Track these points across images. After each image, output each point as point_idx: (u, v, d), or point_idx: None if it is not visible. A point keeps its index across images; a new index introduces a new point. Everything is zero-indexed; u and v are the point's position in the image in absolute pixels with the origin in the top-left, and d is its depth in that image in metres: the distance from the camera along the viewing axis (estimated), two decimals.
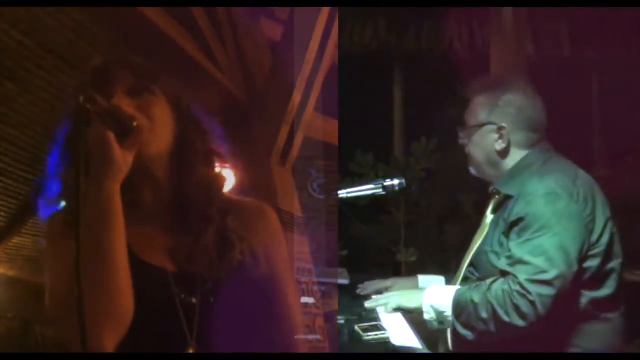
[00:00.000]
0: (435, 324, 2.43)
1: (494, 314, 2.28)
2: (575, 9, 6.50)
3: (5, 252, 6.16)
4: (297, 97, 4.57)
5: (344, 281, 2.85)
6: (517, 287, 2.26)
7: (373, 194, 2.78)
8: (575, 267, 2.29)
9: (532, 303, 2.24)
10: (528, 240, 2.31)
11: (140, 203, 1.60)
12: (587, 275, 2.34)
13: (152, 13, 3.92)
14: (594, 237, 2.35)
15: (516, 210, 2.37)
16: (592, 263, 2.34)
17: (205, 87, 4.27)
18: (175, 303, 1.52)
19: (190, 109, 1.67)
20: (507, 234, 2.38)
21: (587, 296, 2.35)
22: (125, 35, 3.82)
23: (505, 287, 2.29)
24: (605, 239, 2.36)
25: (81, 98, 1.41)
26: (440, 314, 2.40)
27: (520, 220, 2.35)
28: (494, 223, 2.49)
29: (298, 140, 4.68)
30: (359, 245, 6.34)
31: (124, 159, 1.46)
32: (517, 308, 2.25)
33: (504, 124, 2.50)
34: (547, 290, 2.25)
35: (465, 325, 2.35)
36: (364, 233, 6.52)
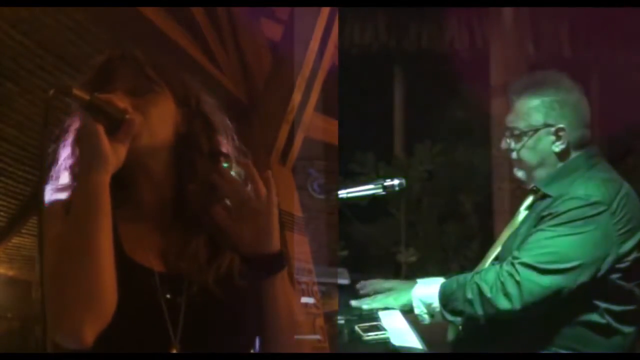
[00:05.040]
0: (427, 317, 2.43)
1: (480, 291, 2.28)
2: (575, 9, 6.49)
3: (5, 252, 6.16)
4: (297, 97, 4.57)
5: (344, 281, 2.84)
6: (509, 267, 2.27)
7: (373, 194, 2.78)
8: (584, 274, 2.27)
9: (518, 283, 2.24)
10: (543, 230, 2.30)
11: (138, 200, 1.60)
12: (606, 287, 2.31)
13: (152, 13, 3.92)
14: (622, 250, 2.30)
15: (550, 207, 2.34)
16: (613, 276, 2.31)
17: (205, 87, 4.26)
18: (160, 303, 1.52)
19: (200, 104, 1.66)
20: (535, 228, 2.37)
21: (603, 307, 2.31)
22: (125, 35, 3.82)
23: (497, 269, 2.30)
24: (633, 256, 2.32)
25: (51, 92, 1.41)
26: (428, 306, 2.41)
27: (549, 214, 2.33)
28: (526, 219, 2.47)
29: (298, 140, 4.68)
30: (359, 246, 6.35)
31: (114, 152, 1.45)
32: (502, 286, 2.25)
33: (562, 125, 2.42)
34: (537, 278, 2.24)
35: (452, 312, 2.36)
36: (364, 233, 6.53)
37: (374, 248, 6.63)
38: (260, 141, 4.53)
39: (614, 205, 2.30)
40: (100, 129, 1.44)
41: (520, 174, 2.53)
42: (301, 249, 4.58)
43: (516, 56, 5.87)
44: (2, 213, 5.38)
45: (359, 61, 6.99)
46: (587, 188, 2.33)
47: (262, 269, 1.53)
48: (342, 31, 6.00)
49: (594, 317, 2.32)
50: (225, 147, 1.66)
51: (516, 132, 2.46)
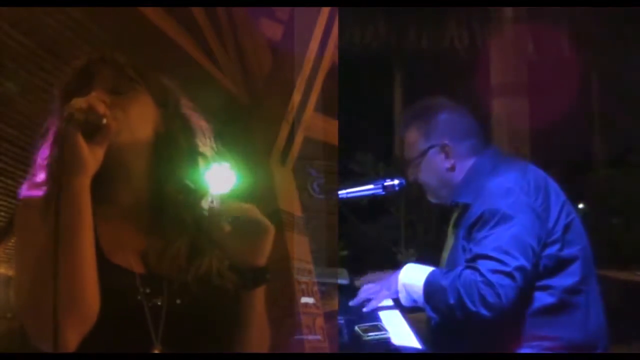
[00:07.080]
0: (410, 303, 2.48)
1: (461, 301, 2.31)
2: (575, 9, 6.50)
3: (6, 252, 6.16)
4: (297, 97, 4.56)
5: (344, 281, 2.85)
6: (482, 278, 2.30)
7: (373, 194, 2.80)
8: (534, 258, 2.34)
9: (498, 295, 2.27)
10: (486, 236, 2.36)
11: (116, 200, 1.61)
12: (550, 263, 2.38)
13: (152, 13, 3.92)
14: (550, 224, 2.40)
15: (473, 213, 2.42)
16: (552, 250, 2.39)
17: (205, 87, 4.27)
18: (141, 304, 1.52)
19: (179, 106, 1.68)
20: (468, 238, 2.42)
21: (552, 285, 2.39)
22: (125, 35, 3.83)
23: (473, 276, 2.32)
24: (561, 224, 2.42)
25: (66, 113, 1.44)
26: (412, 294, 2.44)
27: (478, 219, 2.39)
28: (458, 235, 2.52)
29: (298, 140, 4.68)
30: (359, 245, 6.35)
31: (92, 155, 1.46)
32: (483, 298, 2.28)
33: (444, 141, 2.58)
34: (509, 282, 2.29)
35: (434, 309, 2.40)
36: (364, 233, 6.53)
37: (374, 248, 6.63)
38: (260, 141, 4.53)
39: (525, 186, 2.42)
40: (78, 134, 1.45)
41: (432, 199, 2.69)
42: (301, 249, 4.57)
43: (516, 56, 5.87)
44: (2, 213, 5.38)
45: (359, 61, 6.99)
46: (497, 181, 2.44)
47: (251, 280, 1.59)
48: (342, 31, 6.00)
49: (547, 298, 2.39)
50: (204, 148, 1.67)
51: (411, 162, 2.63)
